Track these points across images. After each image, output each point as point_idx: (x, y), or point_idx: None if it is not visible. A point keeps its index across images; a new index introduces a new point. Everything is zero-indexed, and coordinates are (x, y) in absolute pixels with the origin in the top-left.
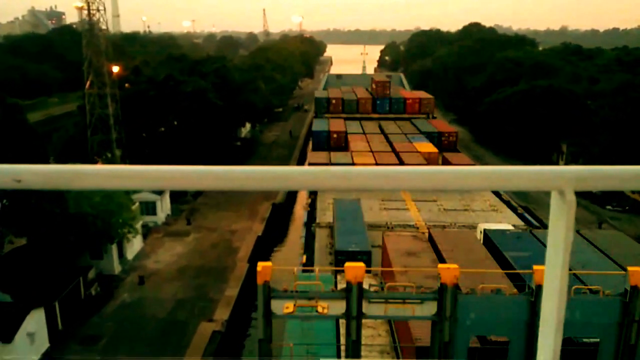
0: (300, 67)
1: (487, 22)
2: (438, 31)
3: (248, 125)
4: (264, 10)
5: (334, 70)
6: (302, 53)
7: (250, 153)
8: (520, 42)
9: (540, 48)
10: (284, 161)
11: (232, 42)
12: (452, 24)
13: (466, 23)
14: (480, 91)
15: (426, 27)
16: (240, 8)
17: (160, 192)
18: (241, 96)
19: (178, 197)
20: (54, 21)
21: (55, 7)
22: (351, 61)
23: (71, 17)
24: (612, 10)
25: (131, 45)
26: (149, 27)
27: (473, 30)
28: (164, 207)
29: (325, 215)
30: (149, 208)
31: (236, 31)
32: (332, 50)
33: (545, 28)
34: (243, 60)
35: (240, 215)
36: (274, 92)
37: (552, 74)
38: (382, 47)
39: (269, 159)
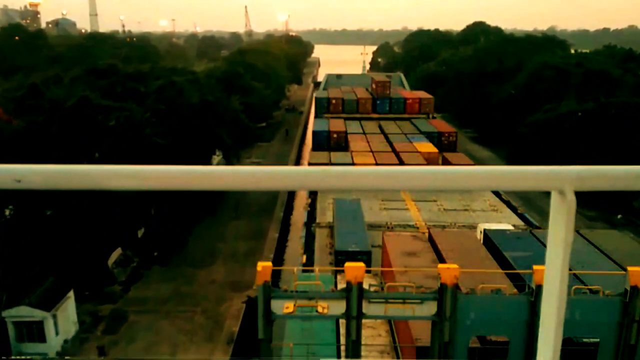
0: (287, 72)
1: (471, 22)
2: (437, 31)
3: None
4: (245, 7)
5: (322, 72)
6: (288, 55)
7: (218, 197)
8: (549, 43)
9: (572, 51)
10: (267, 212)
11: (214, 42)
12: (440, 23)
13: (454, 23)
14: (510, 104)
15: (413, 28)
16: (225, 7)
17: (51, 306)
18: (201, 127)
19: (99, 287)
20: (28, 20)
21: (30, 5)
22: (341, 62)
23: (47, 16)
24: (600, 11)
25: (99, 47)
26: (124, 26)
27: (476, 30)
28: (60, 326)
29: (325, 215)
30: (33, 331)
31: (220, 31)
32: (318, 51)
33: (532, 28)
34: (217, 67)
35: (194, 326)
36: (255, 107)
37: (610, 85)
38: (370, 47)
39: (244, 207)
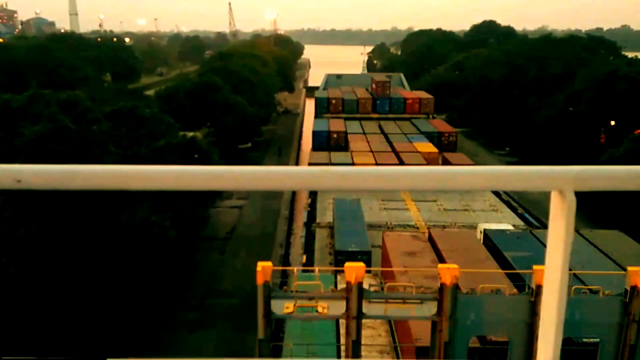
0: (276, 78)
1: (463, 23)
2: (440, 31)
3: None
4: (229, 4)
5: (313, 75)
6: (277, 58)
7: (185, 276)
8: (596, 45)
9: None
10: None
11: (197, 42)
12: (431, 23)
13: (445, 22)
14: (565, 123)
15: (403, 28)
16: (212, 6)
17: None
18: (119, 219)
19: None
20: (4, 20)
21: (6, 4)
22: (333, 63)
23: (24, 15)
24: (589, 10)
25: (64, 50)
26: (101, 25)
27: (485, 30)
28: None
29: (325, 215)
30: None
31: (207, 30)
32: (308, 52)
33: (521, 28)
34: (188, 78)
35: None
36: (237, 126)
37: None
38: (360, 47)
39: (214, 315)
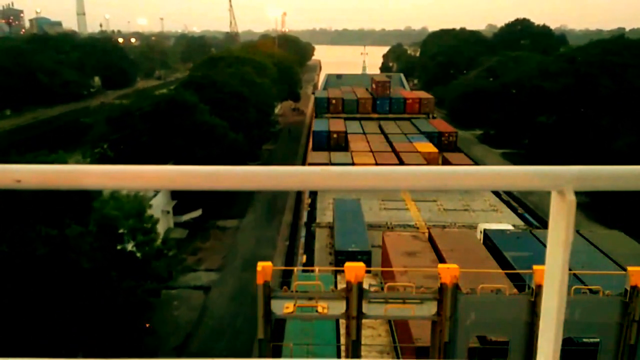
0: (279, 85)
1: (479, 23)
2: (465, 31)
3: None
4: (229, 2)
5: (324, 78)
6: (279, 62)
7: None
8: None
9: None
10: None
11: (203, 43)
12: (444, 23)
13: (460, 22)
14: None
15: (417, 27)
16: (225, 6)
17: None
18: None
19: None
20: (10, 20)
21: (12, 4)
22: (344, 64)
23: (30, 15)
24: (611, 9)
25: (45, 52)
26: (101, 25)
27: (517, 30)
28: None
29: (325, 215)
30: None
31: (218, 31)
32: (319, 52)
33: None
34: (150, 94)
35: None
36: (215, 158)
37: None
38: (371, 47)
39: None
